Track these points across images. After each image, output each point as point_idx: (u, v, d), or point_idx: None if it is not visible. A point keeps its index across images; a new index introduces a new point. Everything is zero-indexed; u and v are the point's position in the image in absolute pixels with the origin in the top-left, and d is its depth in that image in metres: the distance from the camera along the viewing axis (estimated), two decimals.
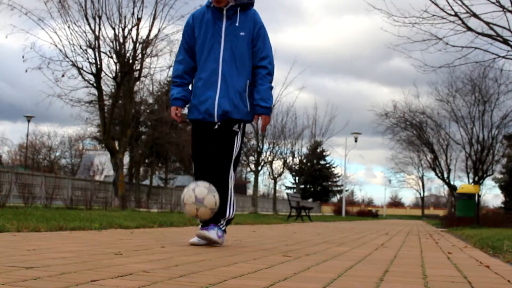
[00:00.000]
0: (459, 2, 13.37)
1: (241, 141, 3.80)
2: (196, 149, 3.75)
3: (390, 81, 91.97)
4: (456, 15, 13.57)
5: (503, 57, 14.00)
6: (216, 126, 3.68)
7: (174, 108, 3.81)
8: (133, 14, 18.33)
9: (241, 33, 3.68)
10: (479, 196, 18.66)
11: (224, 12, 3.69)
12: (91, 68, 18.06)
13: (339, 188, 62.96)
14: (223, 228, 3.72)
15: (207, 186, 3.51)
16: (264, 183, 52.93)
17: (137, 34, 18.54)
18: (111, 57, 18.37)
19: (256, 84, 3.74)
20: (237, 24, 3.68)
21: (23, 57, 17.17)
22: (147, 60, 19.30)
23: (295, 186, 48.56)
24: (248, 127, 31.30)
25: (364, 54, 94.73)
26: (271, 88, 3.77)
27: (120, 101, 19.47)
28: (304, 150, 39.28)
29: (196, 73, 3.80)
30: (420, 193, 58.61)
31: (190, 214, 3.51)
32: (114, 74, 18.52)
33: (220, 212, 3.65)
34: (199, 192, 3.44)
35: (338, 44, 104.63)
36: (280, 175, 36.02)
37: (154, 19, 18.58)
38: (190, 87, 3.86)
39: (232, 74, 3.67)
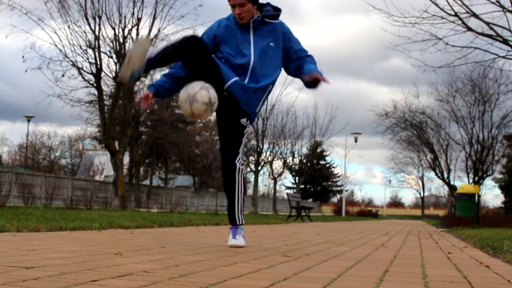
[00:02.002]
0: (459, 2, 13.37)
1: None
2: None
3: (388, 81, 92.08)
4: (456, 15, 13.57)
5: (503, 57, 14.01)
6: (225, 93, 3.65)
7: (147, 93, 3.70)
8: (133, 14, 18.32)
9: (270, 44, 3.71)
10: (479, 196, 18.67)
11: (251, 25, 3.70)
12: (91, 68, 18.07)
13: (339, 188, 62.99)
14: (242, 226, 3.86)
15: (201, 83, 3.48)
16: (264, 183, 52.94)
17: (137, 34, 18.53)
18: (111, 57, 18.37)
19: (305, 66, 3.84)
20: (264, 34, 3.70)
21: (23, 57, 17.17)
22: None
23: (295, 186, 48.54)
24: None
25: (362, 53, 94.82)
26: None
27: (120, 101, 19.47)
28: (304, 150, 39.32)
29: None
30: (420, 193, 58.73)
31: (187, 114, 3.49)
32: (114, 74, 18.52)
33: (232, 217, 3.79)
34: (191, 88, 3.44)
35: (336, 44, 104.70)
36: (280, 175, 36.03)
37: (154, 19, 18.57)
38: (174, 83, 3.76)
39: (265, 73, 3.71)
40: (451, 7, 13.52)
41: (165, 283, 1.86)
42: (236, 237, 3.73)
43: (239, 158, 3.79)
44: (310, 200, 57.87)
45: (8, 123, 78.77)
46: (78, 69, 17.86)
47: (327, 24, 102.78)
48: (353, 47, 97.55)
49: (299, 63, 3.84)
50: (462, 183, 31.41)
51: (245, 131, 3.80)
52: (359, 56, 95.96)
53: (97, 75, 18.06)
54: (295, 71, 3.89)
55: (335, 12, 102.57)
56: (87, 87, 18.72)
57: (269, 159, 32.70)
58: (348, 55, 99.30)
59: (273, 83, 3.79)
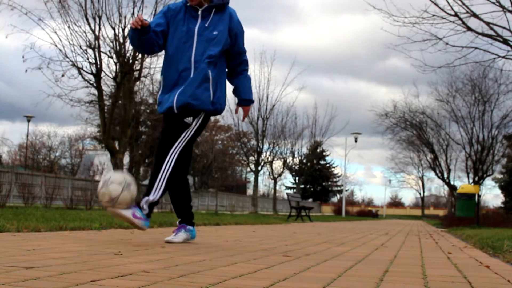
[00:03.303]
0: (459, 2, 13.38)
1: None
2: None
3: (387, 80, 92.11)
4: (456, 15, 13.58)
5: (503, 57, 14.01)
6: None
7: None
8: (133, 14, 18.30)
9: (214, 32, 3.68)
10: (479, 196, 18.66)
11: (199, 13, 3.70)
12: (91, 68, 18.05)
13: (339, 188, 63.00)
14: (145, 211, 3.64)
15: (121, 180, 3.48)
16: (264, 183, 52.92)
17: None
18: (111, 57, 18.36)
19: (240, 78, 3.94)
20: (207, 25, 3.68)
21: (23, 57, 17.16)
22: (147, 60, 19.30)
23: (295, 186, 48.55)
24: (248, 127, 31.27)
25: (361, 53, 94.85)
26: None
27: (120, 101, 19.46)
28: (304, 150, 39.33)
29: (164, 68, 3.79)
30: (420, 193, 58.71)
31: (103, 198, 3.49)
32: (114, 74, 18.50)
33: (145, 193, 3.66)
34: (112, 189, 3.43)
35: (334, 44, 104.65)
36: (280, 175, 36.03)
37: None
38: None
39: (200, 73, 3.65)
40: (451, 7, 13.53)
41: (165, 283, 1.86)
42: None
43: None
44: (310, 200, 57.86)
45: (8, 123, 78.72)
46: (78, 69, 17.86)
47: (326, 24, 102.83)
48: (351, 47, 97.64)
49: (238, 73, 3.90)
50: (462, 183, 31.45)
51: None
52: (358, 56, 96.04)
53: (97, 75, 18.05)
54: (230, 77, 3.93)
55: (334, 12, 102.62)
56: (87, 87, 18.71)
57: (269, 159, 32.69)
58: (347, 55, 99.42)
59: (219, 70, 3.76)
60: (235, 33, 3.77)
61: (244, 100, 3.94)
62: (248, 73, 3.99)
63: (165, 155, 3.62)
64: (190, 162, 3.95)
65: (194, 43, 3.67)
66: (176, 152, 3.64)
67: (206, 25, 3.68)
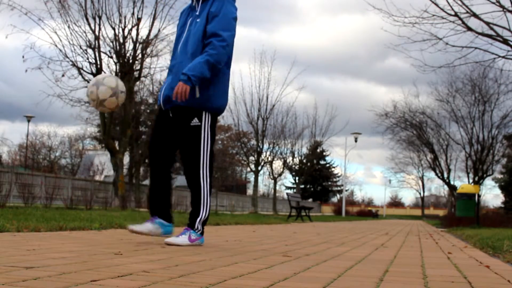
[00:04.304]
0: (459, 2, 13.37)
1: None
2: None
3: (386, 80, 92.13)
4: (456, 15, 13.57)
5: (503, 57, 14.01)
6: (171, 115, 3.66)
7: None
8: (133, 14, 18.34)
9: (197, 20, 3.65)
10: (479, 196, 18.67)
11: (194, 4, 3.73)
12: (91, 68, 18.07)
13: (339, 188, 63.02)
14: (199, 231, 3.61)
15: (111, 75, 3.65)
16: (264, 183, 52.92)
17: (137, 34, 18.55)
18: (111, 57, 18.38)
19: None
20: (196, 13, 3.68)
21: (23, 57, 17.18)
22: (147, 60, 19.33)
23: (295, 186, 48.53)
24: (248, 127, 31.25)
25: (360, 53, 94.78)
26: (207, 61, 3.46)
27: None
28: (304, 150, 39.31)
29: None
30: (420, 193, 58.70)
31: (92, 97, 3.57)
32: (114, 74, 18.52)
33: (194, 214, 3.60)
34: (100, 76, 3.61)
35: (333, 43, 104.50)
36: (280, 175, 36.00)
37: (154, 19, 18.58)
38: None
39: (183, 63, 3.58)
40: (451, 7, 13.53)
41: (165, 283, 1.86)
42: (179, 236, 3.56)
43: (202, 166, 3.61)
44: (310, 200, 57.87)
45: (8, 123, 78.66)
46: (78, 69, 17.88)
47: (325, 24, 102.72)
48: (350, 47, 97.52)
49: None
50: (462, 183, 31.45)
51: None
52: (357, 55, 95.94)
53: (97, 75, 18.05)
54: None
55: (332, 11, 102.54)
56: (87, 87, 18.72)
57: (269, 159, 32.67)
58: (346, 55, 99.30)
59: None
60: (212, 14, 3.55)
61: (182, 74, 3.47)
62: (209, 56, 3.46)
63: (198, 170, 3.58)
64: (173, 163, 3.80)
65: (184, 35, 3.68)
66: (207, 160, 3.60)
67: (196, 13, 3.68)
